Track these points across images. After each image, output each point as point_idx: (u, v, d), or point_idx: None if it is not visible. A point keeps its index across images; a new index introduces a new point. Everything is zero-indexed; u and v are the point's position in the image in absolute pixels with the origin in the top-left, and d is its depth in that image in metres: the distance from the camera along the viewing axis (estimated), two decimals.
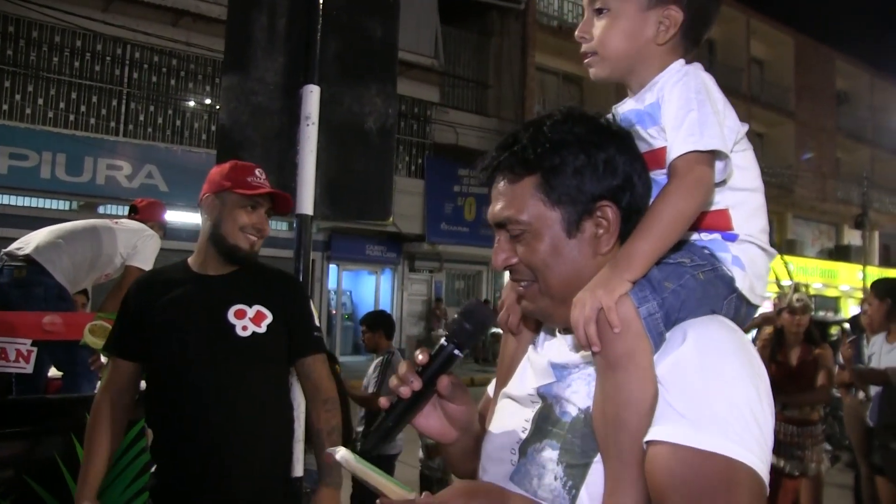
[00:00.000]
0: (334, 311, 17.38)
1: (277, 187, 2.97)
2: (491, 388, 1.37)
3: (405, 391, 1.13)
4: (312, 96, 2.96)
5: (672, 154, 1.08)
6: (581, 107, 1.20)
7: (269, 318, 2.35)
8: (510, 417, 1.20)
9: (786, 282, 5.45)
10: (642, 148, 1.16)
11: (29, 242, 4.14)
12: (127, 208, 5.04)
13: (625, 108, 1.20)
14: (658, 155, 1.13)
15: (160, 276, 2.53)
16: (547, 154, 1.10)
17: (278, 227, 14.31)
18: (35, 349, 3.50)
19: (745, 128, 1.16)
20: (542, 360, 1.18)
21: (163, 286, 2.43)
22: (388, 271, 18.08)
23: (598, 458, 1.03)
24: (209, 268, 2.43)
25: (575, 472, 1.05)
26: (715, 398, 0.96)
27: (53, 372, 4.23)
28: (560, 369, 1.14)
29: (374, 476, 1.08)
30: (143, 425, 2.82)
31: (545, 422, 1.13)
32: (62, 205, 12.67)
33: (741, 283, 1.11)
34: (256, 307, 2.36)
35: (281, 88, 3.01)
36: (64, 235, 4.20)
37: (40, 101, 12.68)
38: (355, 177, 3.05)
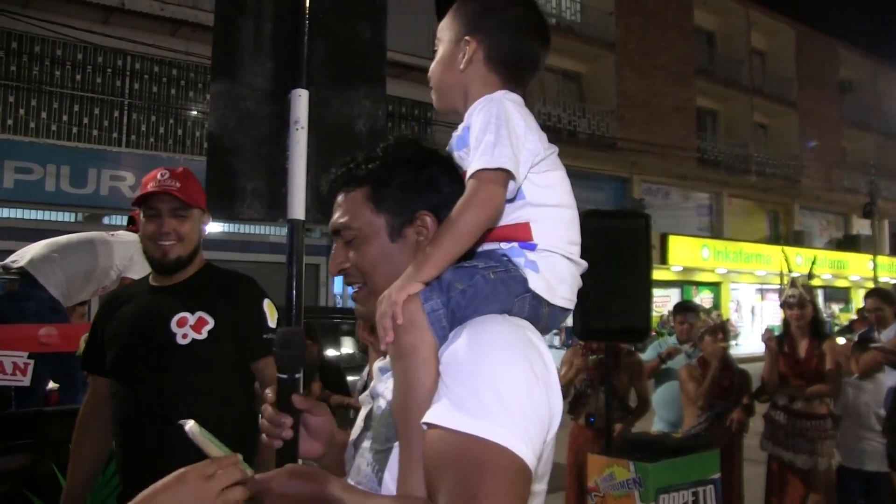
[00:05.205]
0: None
1: (268, 192, 2.96)
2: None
3: (287, 433, 1.28)
4: (301, 100, 2.93)
5: (469, 172, 1.21)
6: (414, 134, 1.34)
7: (211, 323, 2.32)
8: (358, 419, 1.35)
9: (795, 274, 5.45)
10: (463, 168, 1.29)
11: (24, 255, 4.16)
12: (128, 220, 5.02)
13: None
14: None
15: (123, 292, 2.57)
16: (376, 170, 1.27)
17: (280, 231, 14.32)
18: (32, 361, 3.51)
19: (551, 150, 1.29)
20: (377, 366, 1.33)
21: (121, 301, 2.45)
22: None
23: (397, 443, 1.14)
24: (159, 280, 2.44)
25: (380, 457, 1.18)
26: (480, 386, 1.05)
27: (55, 384, 4.24)
28: (384, 370, 1.28)
29: (212, 448, 1.20)
30: None
31: (369, 418, 1.28)
32: (67, 217, 12.71)
33: (535, 284, 1.20)
34: (199, 314, 2.33)
35: (269, 93, 2.99)
36: (59, 248, 4.21)
37: (44, 115, 12.70)
38: None
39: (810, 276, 5.32)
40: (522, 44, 1.35)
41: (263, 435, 1.31)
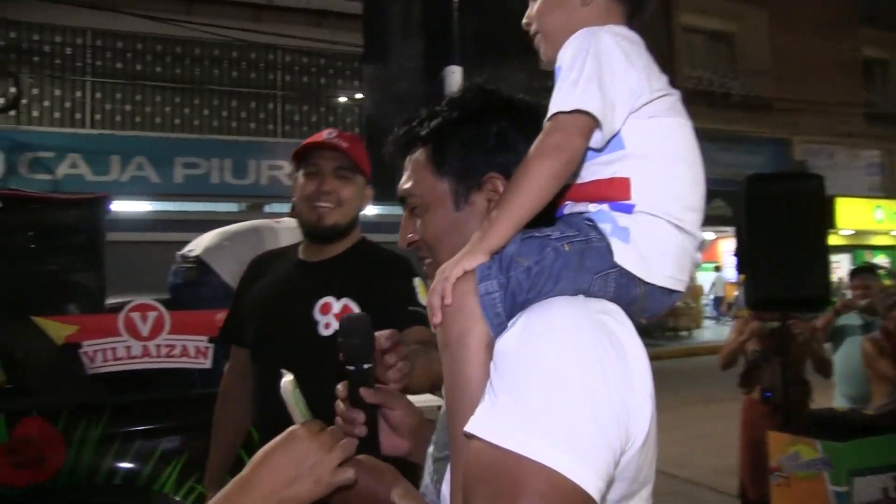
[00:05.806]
0: None
1: None
2: None
3: (360, 430, 1.14)
4: (454, 77, 2.92)
5: (547, 116, 0.98)
6: (488, 82, 1.14)
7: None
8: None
9: None
10: None
11: (199, 244, 4.41)
12: (290, 206, 5.21)
13: None
14: None
15: (269, 258, 2.39)
16: (438, 127, 1.09)
17: None
18: (212, 345, 3.71)
19: (665, 92, 1.01)
20: None
21: (265, 270, 2.29)
22: None
23: None
24: (308, 253, 2.24)
25: (439, 467, 1.02)
26: (527, 389, 0.83)
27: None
28: None
29: (297, 412, 1.12)
30: None
31: (439, 420, 1.11)
32: (231, 207, 13.45)
33: (622, 257, 0.94)
34: (344, 301, 2.09)
35: (422, 73, 3.00)
36: (229, 237, 4.44)
37: (206, 112, 13.55)
38: None
39: None
40: None
41: None
